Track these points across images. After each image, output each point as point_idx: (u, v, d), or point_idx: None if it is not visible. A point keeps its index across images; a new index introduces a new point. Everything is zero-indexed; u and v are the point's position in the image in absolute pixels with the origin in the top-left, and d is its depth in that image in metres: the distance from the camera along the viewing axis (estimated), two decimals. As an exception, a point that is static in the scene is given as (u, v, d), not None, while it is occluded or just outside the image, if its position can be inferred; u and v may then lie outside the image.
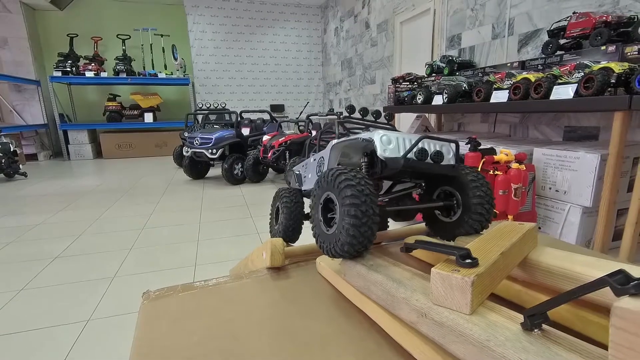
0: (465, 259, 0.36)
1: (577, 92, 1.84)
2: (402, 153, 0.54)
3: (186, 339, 0.47)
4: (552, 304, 0.26)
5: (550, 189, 2.06)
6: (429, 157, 0.55)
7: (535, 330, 0.28)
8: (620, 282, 0.22)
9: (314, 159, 0.80)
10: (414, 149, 0.54)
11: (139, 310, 0.55)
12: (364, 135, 0.59)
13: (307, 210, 0.84)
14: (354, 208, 0.46)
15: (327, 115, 6.22)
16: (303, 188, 0.87)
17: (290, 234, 0.83)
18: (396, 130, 0.79)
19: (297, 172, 0.91)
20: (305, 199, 0.87)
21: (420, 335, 0.38)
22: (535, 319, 0.27)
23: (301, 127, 4.49)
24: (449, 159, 0.57)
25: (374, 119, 1.11)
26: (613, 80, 1.72)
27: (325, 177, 0.53)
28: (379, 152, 0.53)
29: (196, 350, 0.45)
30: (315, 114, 3.98)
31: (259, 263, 0.73)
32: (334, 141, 0.70)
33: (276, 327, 0.49)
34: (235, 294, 0.59)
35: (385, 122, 1.10)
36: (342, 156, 0.71)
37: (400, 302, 0.39)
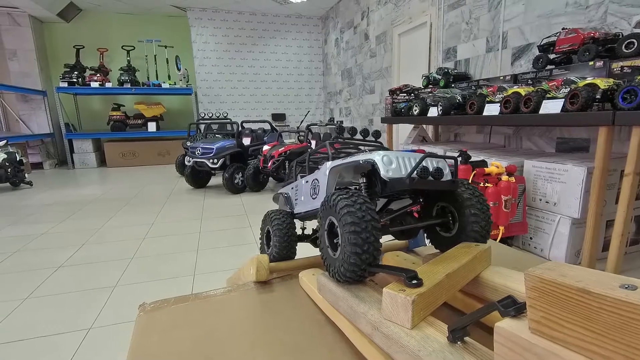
0: (412, 280, 0.42)
1: (564, 107, 1.89)
2: (404, 172, 0.54)
3: (175, 348, 0.53)
4: (464, 322, 0.32)
5: (540, 200, 2.11)
6: (429, 175, 0.55)
7: (458, 343, 0.33)
8: (505, 306, 0.28)
9: (307, 181, 0.78)
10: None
11: (135, 321, 0.61)
12: (363, 156, 0.59)
13: (298, 231, 0.86)
14: (354, 235, 0.47)
15: (326, 125, 6.27)
16: (295, 211, 0.85)
17: (285, 256, 0.82)
18: (384, 147, 0.82)
19: (287, 195, 0.90)
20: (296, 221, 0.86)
21: (377, 346, 0.44)
22: (456, 333, 0.33)
23: (301, 137, 4.57)
24: (446, 174, 0.58)
25: (362, 137, 1.16)
26: (598, 96, 1.78)
27: (327, 201, 0.54)
28: (383, 173, 0.53)
29: (184, 358, 0.50)
30: (315, 124, 4.05)
31: (248, 277, 0.79)
32: (330, 163, 0.69)
33: (255, 337, 0.54)
34: (222, 306, 0.65)
35: (373, 140, 1.14)
36: (338, 177, 0.71)
37: (360, 316, 0.45)
